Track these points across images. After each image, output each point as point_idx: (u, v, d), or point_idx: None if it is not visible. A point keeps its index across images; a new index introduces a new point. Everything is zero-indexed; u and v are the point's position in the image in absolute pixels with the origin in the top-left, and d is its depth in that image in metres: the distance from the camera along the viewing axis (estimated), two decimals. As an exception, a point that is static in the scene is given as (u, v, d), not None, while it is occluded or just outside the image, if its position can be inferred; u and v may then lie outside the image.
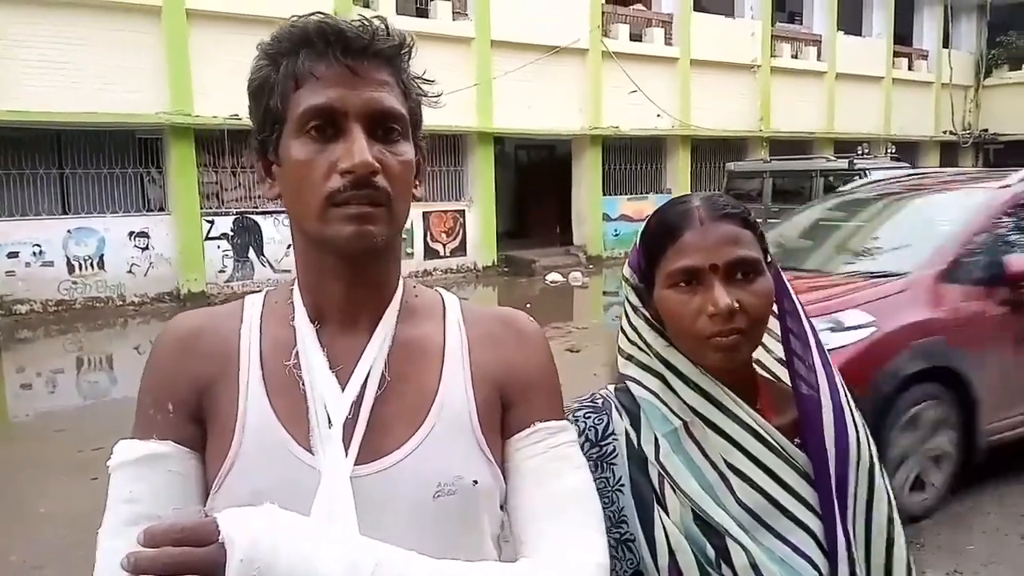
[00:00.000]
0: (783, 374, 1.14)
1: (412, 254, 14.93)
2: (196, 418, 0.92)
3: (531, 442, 0.97)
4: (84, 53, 11.60)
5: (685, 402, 1.07)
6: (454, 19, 15.32)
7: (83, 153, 12.61)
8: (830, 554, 1.04)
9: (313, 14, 0.91)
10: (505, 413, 0.98)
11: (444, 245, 15.68)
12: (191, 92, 12.36)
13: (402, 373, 0.95)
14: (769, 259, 1.09)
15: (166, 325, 0.99)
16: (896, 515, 1.09)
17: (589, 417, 1.14)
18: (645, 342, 1.11)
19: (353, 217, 0.88)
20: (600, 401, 1.16)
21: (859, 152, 13.29)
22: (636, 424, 1.10)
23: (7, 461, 5.78)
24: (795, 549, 1.04)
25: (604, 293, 14.70)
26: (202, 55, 12.35)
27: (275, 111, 0.91)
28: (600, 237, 17.73)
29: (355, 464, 0.89)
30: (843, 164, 12.74)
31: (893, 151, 15.12)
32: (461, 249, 15.91)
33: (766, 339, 1.13)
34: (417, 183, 0.97)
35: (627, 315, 1.14)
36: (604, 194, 17.83)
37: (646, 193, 18.72)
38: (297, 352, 0.94)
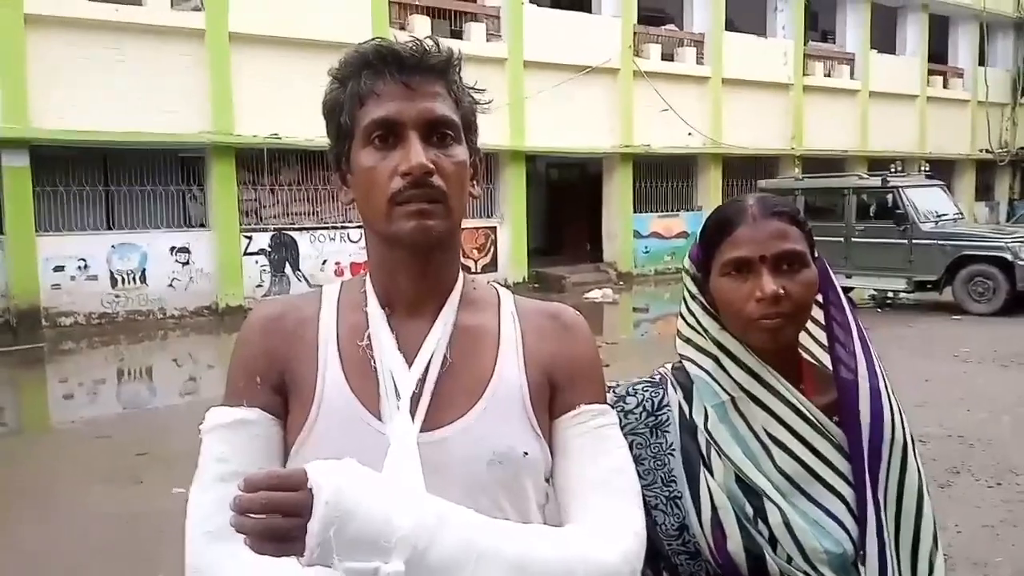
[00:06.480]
0: (826, 359, 1.25)
1: (444, 270, 15.07)
2: (279, 390, 1.05)
3: (576, 423, 1.08)
4: (130, 74, 11.99)
5: (734, 379, 1.20)
6: (488, 40, 15.59)
7: (128, 171, 12.99)
8: (860, 519, 1.16)
9: (374, 39, 1.05)
10: (553, 396, 1.09)
11: (476, 261, 15.83)
12: (232, 112, 12.69)
13: (462, 356, 1.07)
14: (816, 254, 1.21)
15: (253, 309, 1.13)
16: (926, 490, 1.20)
17: (647, 390, 1.29)
18: (701, 326, 1.24)
19: (413, 213, 0.99)
20: (658, 377, 1.31)
21: (893, 170, 13.20)
22: (689, 398, 1.24)
23: (53, 465, 5.98)
24: (827, 512, 1.16)
25: (634, 309, 14.74)
26: (243, 76, 12.68)
27: (345, 127, 1.04)
28: (631, 254, 17.78)
29: (419, 432, 1.01)
30: (876, 182, 12.70)
31: (927, 169, 14.96)
32: (492, 265, 16.06)
33: (812, 327, 1.26)
34: (474, 183, 1.10)
35: (686, 302, 1.27)
36: (635, 211, 17.90)
37: (677, 211, 18.75)
38: (369, 335, 1.07)
